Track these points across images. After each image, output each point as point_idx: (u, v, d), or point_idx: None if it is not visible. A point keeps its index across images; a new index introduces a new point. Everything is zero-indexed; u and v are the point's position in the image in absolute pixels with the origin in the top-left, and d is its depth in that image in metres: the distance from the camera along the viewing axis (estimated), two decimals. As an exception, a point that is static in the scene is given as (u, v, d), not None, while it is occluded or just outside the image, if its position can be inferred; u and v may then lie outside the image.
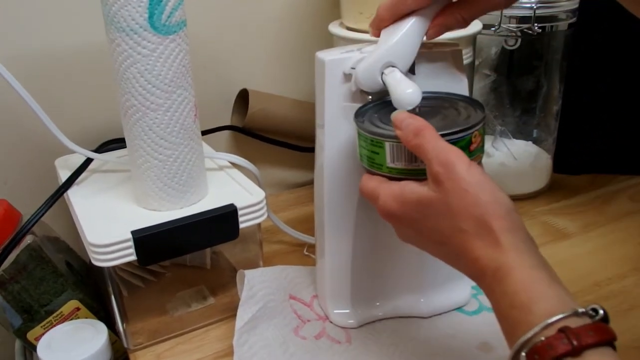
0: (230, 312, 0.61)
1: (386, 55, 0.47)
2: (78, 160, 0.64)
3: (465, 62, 0.56)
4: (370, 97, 0.50)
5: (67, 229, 0.69)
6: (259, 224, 0.60)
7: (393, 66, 0.47)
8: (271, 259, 0.70)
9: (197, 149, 0.57)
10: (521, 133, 0.84)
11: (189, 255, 0.66)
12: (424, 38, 0.48)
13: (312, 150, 0.57)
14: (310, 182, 0.58)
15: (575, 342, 0.32)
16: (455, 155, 0.39)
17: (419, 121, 0.42)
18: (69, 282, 0.60)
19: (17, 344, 0.66)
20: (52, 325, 0.59)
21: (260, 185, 0.61)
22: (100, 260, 0.52)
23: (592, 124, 0.86)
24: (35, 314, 0.58)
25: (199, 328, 0.61)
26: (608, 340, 0.33)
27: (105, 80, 0.67)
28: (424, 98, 0.46)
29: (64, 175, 0.63)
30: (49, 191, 0.61)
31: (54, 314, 0.59)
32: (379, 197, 0.44)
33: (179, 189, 0.57)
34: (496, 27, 0.75)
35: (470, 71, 0.73)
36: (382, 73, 0.48)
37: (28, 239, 0.58)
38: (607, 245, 0.73)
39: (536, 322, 0.34)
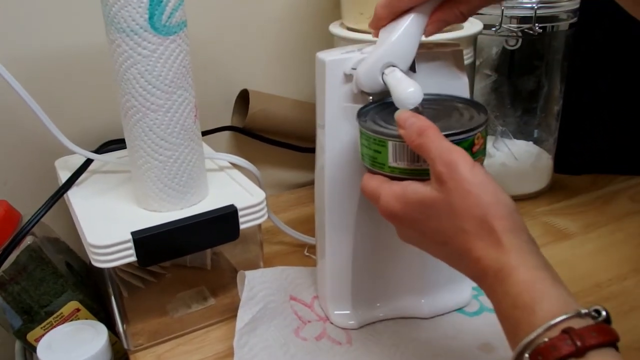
0: (230, 313, 0.60)
1: (386, 55, 0.47)
2: (78, 161, 0.64)
3: (466, 62, 0.56)
4: (371, 97, 0.50)
5: (67, 229, 0.69)
6: (259, 225, 0.59)
7: (393, 66, 0.47)
8: (272, 260, 0.70)
9: (197, 150, 0.57)
10: (522, 133, 0.84)
11: (189, 256, 0.66)
12: (423, 35, 0.48)
13: (312, 150, 0.57)
14: (311, 183, 0.58)
15: (579, 343, 0.32)
16: (459, 156, 0.39)
17: (422, 121, 0.42)
18: (69, 283, 0.60)
19: (17, 345, 0.66)
20: (52, 327, 0.58)
21: (260, 186, 0.61)
22: (100, 261, 0.51)
23: (593, 124, 0.86)
24: (35, 315, 0.58)
25: (199, 329, 0.61)
26: (611, 341, 0.33)
27: (105, 80, 0.67)
28: (427, 100, 0.46)
29: (64, 176, 0.63)
30: (49, 192, 0.61)
31: (54, 315, 0.59)
32: (381, 197, 0.44)
33: (179, 189, 0.56)
34: (497, 27, 0.75)
35: (471, 71, 0.73)
36: (383, 73, 0.47)
37: (28, 240, 0.58)
38: (608, 246, 0.73)
39: (539, 323, 0.34)
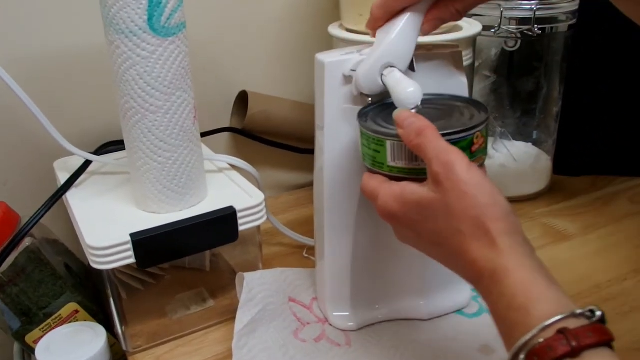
0: (229, 314, 0.60)
1: (384, 56, 0.47)
2: (77, 162, 0.63)
3: (465, 63, 0.56)
4: (370, 99, 0.50)
5: (66, 231, 0.69)
6: (258, 226, 0.59)
7: (392, 66, 0.47)
8: (271, 262, 0.70)
9: (196, 151, 0.57)
10: (521, 134, 0.84)
11: (188, 258, 0.66)
12: (420, 34, 0.48)
13: (311, 152, 0.57)
14: (310, 184, 0.58)
15: (574, 343, 0.32)
16: (456, 156, 0.39)
17: (421, 120, 0.42)
18: (67, 285, 0.59)
19: (16, 346, 0.66)
20: (50, 328, 0.58)
21: (259, 188, 0.61)
22: (99, 262, 0.51)
23: (592, 126, 0.86)
24: (33, 316, 0.58)
25: (198, 331, 0.61)
26: (606, 341, 0.33)
27: (104, 82, 0.67)
28: (427, 100, 0.46)
29: (62, 178, 0.63)
30: (48, 193, 0.61)
31: (53, 317, 0.59)
32: (379, 197, 0.44)
33: (178, 191, 0.56)
34: (496, 28, 0.75)
35: (470, 72, 0.73)
36: (382, 74, 0.47)
37: (27, 242, 0.58)
38: (607, 247, 0.73)
39: (535, 324, 0.34)
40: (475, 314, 0.60)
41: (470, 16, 0.73)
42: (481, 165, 0.45)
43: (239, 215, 0.56)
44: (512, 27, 0.75)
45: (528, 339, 0.33)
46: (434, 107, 0.48)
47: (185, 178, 0.56)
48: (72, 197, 0.60)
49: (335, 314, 0.59)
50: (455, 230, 0.39)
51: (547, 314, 0.34)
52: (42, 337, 0.56)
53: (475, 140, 0.43)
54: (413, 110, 0.44)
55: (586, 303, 0.35)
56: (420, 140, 0.41)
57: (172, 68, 0.52)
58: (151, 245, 0.53)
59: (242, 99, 0.83)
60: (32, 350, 0.58)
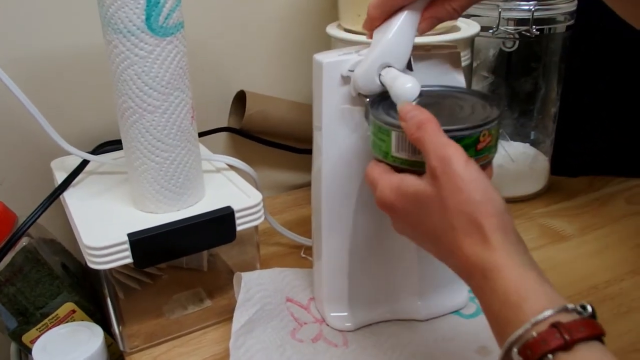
0: (227, 314, 0.60)
1: (381, 56, 0.47)
2: (74, 161, 0.63)
3: (463, 64, 0.56)
4: (368, 99, 0.49)
5: (63, 231, 0.69)
6: (256, 226, 0.59)
7: (390, 66, 0.47)
8: (268, 262, 0.70)
9: (194, 151, 0.57)
10: (519, 135, 0.84)
11: (186, 258, 0.66)
12: (417, 33, 0.48)
13: (309, 152, 0.57)
14: (308, 184, 0.58)
15: (567, 337, 0.32)
16: (454, 151, 0.39)
17: (423, 114, 0.42)
18: (64, 285, 0.59)
19: (13, 346, 0.65)
20: (47, 328, 0.58)
21: (257, 188, 0.61)
22: (96, 262, 0.51)
23: (590, 126, 0.86)
24: (30, 316, 0.58)
25: (195, 331, 0.61)
26: (597, 335, 0.33)
27: (102, 81, 0.67)
28: (443, 93, 0.46)
29: (60, 177, 0.63)
30: (45, 193, 0.61)
31: (50, 317, 0.59)
32: (378, 186, 0.44)
33: (175, 191, 0.56)
34: (494, 29, 0.75)
35: (469, 73, 0.73)
36: (380, 74, 0.47)
37: (24, 241, 0.58)
38: (605, 248, 0.73)
39: (527, 319, 0.34)
40: (472, 315, 0.60)
41: (469, 17, 0.73)
42: (488, 164, 0.45)
43: (236, 215, 0.56)
44: (510, 27, 0.75)
45: (521, 333, 0.34)
46: (445, 100, 0.48)
47: (183, 178, 0.56)
48: (70, 197, 0.60)
49: (332, 314, 0.59)
50: (449, 225, 0.39)
51: (540, 309, 0.34)
52: (39, 337, 0.56)
53: (481, 139, 0.42)
54: (414, 103, 0.44)
55: (584, 304, 0.35)
56: (420, 133, 0.41)
57: (169, 68, 0.52)
58: (148, 245, 0.53)
59: (240, 98, 0.83)
60: (29, 350, 0.58)
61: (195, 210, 0.57)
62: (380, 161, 0.46)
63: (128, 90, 0.52)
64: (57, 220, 0.68)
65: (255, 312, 0.57)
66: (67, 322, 0.59)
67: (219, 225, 0.56)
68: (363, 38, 0.61)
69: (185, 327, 0.60)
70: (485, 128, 0.42)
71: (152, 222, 0.54)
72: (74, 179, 0.62)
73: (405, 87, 0.45)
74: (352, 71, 0.49)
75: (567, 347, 0.32)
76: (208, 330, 0.61)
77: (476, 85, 0.81)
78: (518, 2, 0.74)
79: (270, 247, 0.75)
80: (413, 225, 0.44)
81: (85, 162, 0.63)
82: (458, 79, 0.53)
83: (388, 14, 0.47)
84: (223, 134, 0.85)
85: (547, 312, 0.34)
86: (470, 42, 0.70)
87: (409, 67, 0.49)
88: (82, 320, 0.60)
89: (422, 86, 0.46)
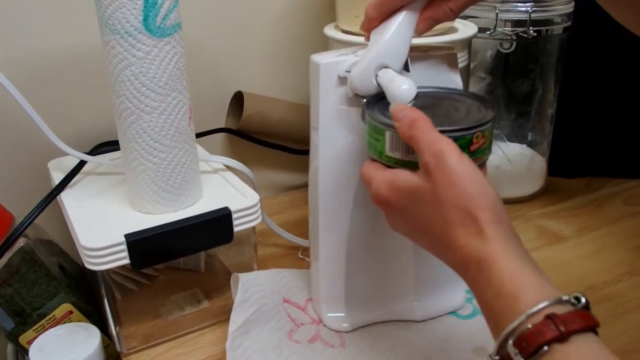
0: (224, 315, 0.60)
1: (378, 57, 0.47)
2: (71, 162, 0.63)
3: (460, 65, 0.56)
4: (365, 100, 0.50)
5: (60, 231, 0.69)
6: (253, 227, 0.59)
7: (386, 67, 0.47)
8: (265, 262, 0.70)
9: (191, 152, 0.57)
10: (516, 136, 0.84)
11: (183, 259, 0.66)
12: (414, 34, 0.48)
13: (307, 153, 0.57)
14: (305, 185, 0.58)
15: (562, 328, 0.32)
16: (446, 147, 0.40)
17: (415, 113, 0.42)
18: (61, 285, 0.59)
19: (9, 347, 0.65)
20: (44, 329, 0.58)
21: (254, 188, 0.61)
22: (94, 263, 0.51)
23: (587, 128, 0.87)
24: (27, 317, 0.58)
25: (193, 332, 0.60)
26: (592, 326, 0.34)
27: (100, 82, 0.67)
28: (437, 94, 0.47)
29: (57, 178, 0.63)
30: (42, 193, 0.60)
31: (47, 318, 0.59)
32: (373, 183, 0.45)
33: (173, 192, 0.56)
34: (491, 30, 0.75)
35: (466, 74, 0.73)
36: (376, 75, 0.47)
37: (21, 242, 0.58)
38: (602, 249, 0.73)
39: (522, 310, 0.34)
40: (469, 316, 0.60)
41: (466, 18, 0.74)
42: (482, 165, 0.45)
43: (234, 216, 0.56)
44: (508, 29, 0.76)
45: (516, 325, 0.34)
46: (441, 102, 0.48)
47: (180, 179, 0.56)
48: (67, 198, 0.60)
49: (329, 315, 0.59)
50: (443, 219, 0.40)
51: (535, 301, 0.34)
52: (36, 337, 0.56)
53: (474, 140, 0.43)
54: (410, 104, 0.45)
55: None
56: (413, 131, 0.41)
57: (167, 69, 0.52)
58: (146, 246, 0.53)
59: (238, 99, 0.83)
60: (26, 351, 0.57)
61: (193, 211, 0.57)
62: (374, 160, 0.46)
63: (125, 91, 0.52)
64: (54, 221, 0.68)
65: (252, 313, 0.57)
66: (64, 323, 0.59)
67: (216, 226, 0.56)
68: (360, 39, 0.62)
69: (183, 328, 0.60)
70: (478, 130, 0.43)
71: (150, 223, 0.54)
72: (71, 179, 0.62)
73: (402, 88, 0.45)
74: (349, 72, 0.49)
75: (562, 338, 0.32)
76: (205, 331, 0.61)
77: (473, 87, 0.81)
78: (515, 4, 0.74)
79: (267, 248, 0.75)
80: (408, 221, 0.44)
81: (82, 163, 0.63)
82: (455, 80, 0.53)
83: (386, 15, 0.47)
84: (220, 135, 0.85)
85: (542, 304, 0.34)
86: (467, 43, 0.70)
87: (406, 68, 0.49)
88: (79, 321, 0.60)
89: (419, 87, 0.46)
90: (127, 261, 0.52)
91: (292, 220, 0.82)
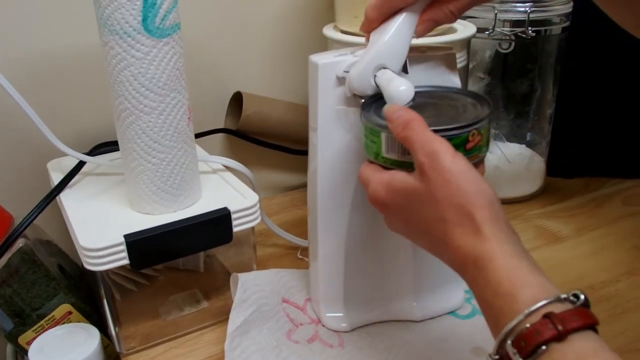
0: (223, 315, 0.60)
1: (377, 57, 0.47)
2: (71, 162, 0.63)
3: (459, 65, 0.56)
4: (363, 100, 0.50)
5: (59, 232, 0.69)
6: (252, 228, 0.59)
7: (385, 67, 0.47)
8: (265, 262, 0.70)
9: (190, 152, 0.57)
10: (515, 136, 0.84)
11: (182, 259, 0.66)
12: (414, 36, 0.48)
13: (305, 153, 0.57)
14: (304, 185, 0.58)
15: (560, 327, 0.32)
16: (439, 146, 0.40)
17: (409, 113, 0.42)
18: (61, 286, 0.59)
19: (9, 348, 0.65)
20: (43, 329, 0.58)
21: (254, 189, 0.61)
22: (93, 264, 0.51)
23: (586, 128, 0.87)
24: (26, 317, 0.58)
25: (192, 332, 0.61)
26: (591, 324, 0.33)
27: (99, 82, 0.67)
28: (431, 93, 0.47)
29: (56, 178, 0.63)
30: (42, 194, 0.60)
31: (46, 318, 0.59)
32: (370, 184, 0.45)
33: (172, 192, 0.56)
34: (490, 30, 0.75)
35: (465, 74, 0.73)
36: (375, 76, 0.48)
37: (20, 242, 0.58)
38: (601, 249, 0.73)
39: (521, 309, 0.34)
40: (468, 316, 0.60)
41: (465, 18, 0.74)
42: (479, 162, 0.45)
43: (233, 216, 0.56)
44: (506, 29, 0.76)
45: (515, 324, 0.34)
46: (438, 100, 0.48)
47: (179, 179, 0.56)
48: (66, 198, 0.60)
49: (328, 315, 0.59)
50: (440, 218, 0.40)
51: (533, 299, 0.34)
52: (35, 338, 0.56)
53: (470, 138, 0.43)
54: (407, 105, 0.45)
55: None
56: (407, 132, 0.41)
57: (166, 69, 0.52)
58: (145, 247, 0.53)
59: (237, 100, 0.83)
60: (25, 352, 0.57)
61: (192, 211, 0.57)
62: (371, 162, 0.46)
63: (124, 92, 0.52)
64: (54, 222, 0.68)
65: (251, 313, 0.57)
66: (63, 323, 0.59)
67: (215, 226, 0.56)
68: (359, 39, 0.62)
69: (182, 328, 0.60)
70: (473, 128, 0.43)
71: (149, 224, 0.54)
72: (70, 180, 0.62)
73: (399, 89, 0.45)
74: (348, 72, 0.49)
75: (560, 337, 0.32)
76: (204, 331, 0.61)
77: (472, 87, 0.81)
78: (514, 4, 0.74)
79: (266, 248, 0.75)
80: (405, 221, 0.44)
81: (81, 164, 0.63)
82: (454, 81, 0.53)
83: (386, 16, 0.47)
84: (219, 135, 0.85)
85: (541, 303, 0.34)
86: (466, 43, 0.70)
87: (404, 69, 0.49)
88: (79, 322, 0.60)
89: (416, 86, 0.46)
90: (126, 261, 0.52)
91: (291, 221, 0.82)
